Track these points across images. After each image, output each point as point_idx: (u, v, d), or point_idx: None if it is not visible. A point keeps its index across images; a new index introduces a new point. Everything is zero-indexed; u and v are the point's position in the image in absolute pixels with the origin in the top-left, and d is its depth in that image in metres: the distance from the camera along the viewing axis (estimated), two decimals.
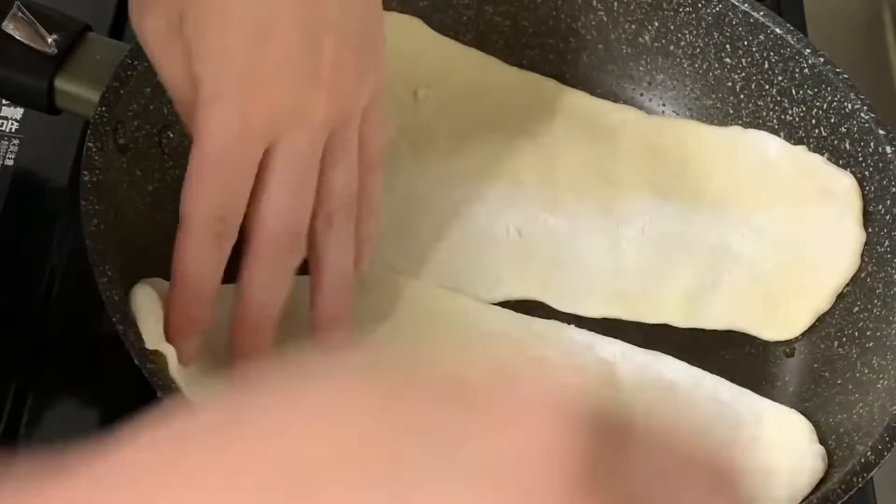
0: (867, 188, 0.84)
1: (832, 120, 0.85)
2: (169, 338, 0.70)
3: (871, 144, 0.83)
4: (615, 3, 0.91)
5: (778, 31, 0.87)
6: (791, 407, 0.81)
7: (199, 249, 0.69)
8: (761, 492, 0.75)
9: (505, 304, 0.83)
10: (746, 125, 0.89)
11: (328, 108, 0.70)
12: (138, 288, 0.73)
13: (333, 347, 0.51)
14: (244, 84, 0.68)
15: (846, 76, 0.85)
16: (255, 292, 0.71)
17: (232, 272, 0.79)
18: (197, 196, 0.69)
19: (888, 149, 0.83)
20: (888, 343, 0.78)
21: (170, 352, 0.70)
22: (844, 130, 0.85)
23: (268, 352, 0.71)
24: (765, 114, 0.88)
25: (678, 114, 0.91)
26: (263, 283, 0.71)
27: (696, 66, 0.90)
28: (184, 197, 0.69)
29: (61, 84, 0.80)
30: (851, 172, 0.85)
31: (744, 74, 0.89)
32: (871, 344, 0.80)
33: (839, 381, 0.80)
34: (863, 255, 0.83)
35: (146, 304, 0.72)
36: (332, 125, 0.70)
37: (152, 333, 0.70)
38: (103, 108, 0.76)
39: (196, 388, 0.69)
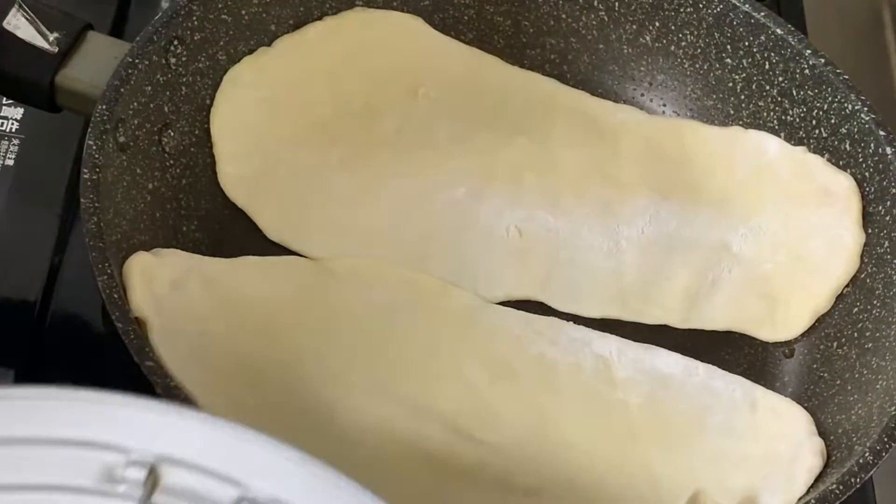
0: (867, 189, 0.84)
1: (832, 121, 0.85)
2: None
3: (872, 145, 0.83)
4: (616, 4, 0.91)
5: (779, 31, 0.87)
6: None
7: None
8: (760, 482, 0.75)
9: (505, 304, 0.84)
10: (747, 126, 0.89)
11: None
12: (134, 257, 0.74)
13: None
14: None
15: (846, 77, 0.85)
16: None
17: (229, 252, 0.80)
18: None
19: (888, 150, 0.83)
20: (887, 344, 0.79)
21: (152, 320, 0.71)
22: (845, 131, 0.85)
23: None
24: (765, 114, 0.88)
25: (679, 114, 0.91)
26: None
27: (697, 66, 0.90)
28: None
29: (62, 82, 0.80)
30: (851, 173, 0.85)
31: (744, 75, 0.89)
32: (870, 345, 0.80)
33: (838, 382, 0.80)
34: (862, 255, 0.83)
35: (137, 272, 0.73)
36: None
37: (138, 299, 0.72)
38: (104, 107, 0.76)
39: (174, 355, 0.70)
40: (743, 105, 0.89)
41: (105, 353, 0.81)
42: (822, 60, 0.86)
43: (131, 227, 0.76)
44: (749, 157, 0.88)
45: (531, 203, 0.86)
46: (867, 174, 0.84)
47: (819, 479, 0.75)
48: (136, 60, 0.79)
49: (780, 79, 0.87)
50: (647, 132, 0.90)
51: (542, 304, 0.84)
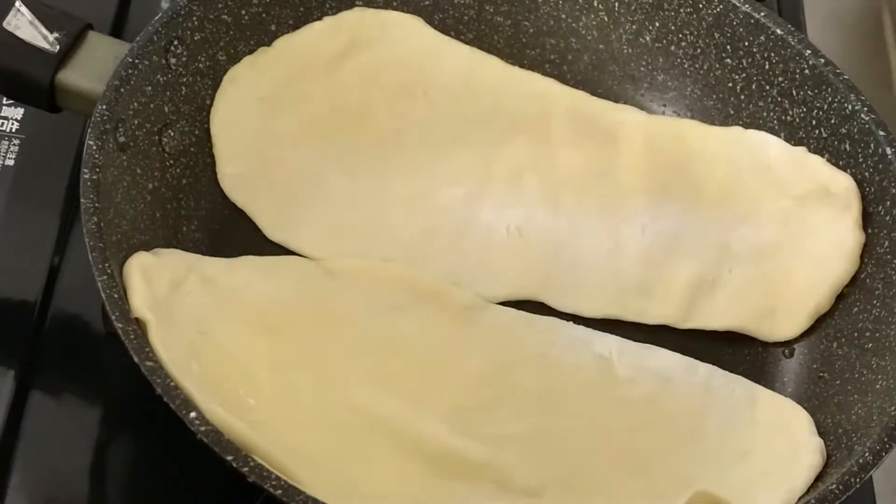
0: (867, 189, 0.84)
1: (832, 121, 0.85)
2: None
3: (871, 146, 0.83)
4: (616, 4, 0.91)
5: (779, 31, 0.87)
6: None
7: None
8: (760, 481, 0.75)
9: (505, 304, 0.84)
10: (747, 126, 0.89)
11: None
12: (134, 257, 0.74)
13: None
14: None
15: (846, 77, 0.85)
16: None
17: (229, 252, 0.80)
18: None
19: (888, 150, 0.83)
20: (887, 344, 0.79)
21: (152, 320, 0.71)
22: (844, 131, 0.85)
23: None
24: (765, 114, 0.88)
25: (679, 114, 0.91)
26: None
27: (697, 66, 0.90)
28: None
29: (62, 82, 0.80)
30: (851, 173, 0.85)
31: (744, 75, 0.89)
32: (870, 345, 0.80)
33: (838, 382, 0.80)
34: (862, 255, 0.83)
35: (137, 272, 0.73)
36: None
37: (138, 299, 0.72)
38: (104, 107, 0.77)
39: (174, 355, 0.70)
40: (743, 105, 0.89)
41: (105, 353, 0.81)
42: (822, 60, 0.86)
43: (131, 227, 0.76)
44: (749, 157, 0.88)
45: (531, 203, 0.86)
46: (867, 174, 0.84)
47: (819, 479, 0.75)
48: (136, 60, 0.79)
49: (780, 79, 0.87)
50: (647, 132, 0.90)
51: (542, 304, 0.84)
